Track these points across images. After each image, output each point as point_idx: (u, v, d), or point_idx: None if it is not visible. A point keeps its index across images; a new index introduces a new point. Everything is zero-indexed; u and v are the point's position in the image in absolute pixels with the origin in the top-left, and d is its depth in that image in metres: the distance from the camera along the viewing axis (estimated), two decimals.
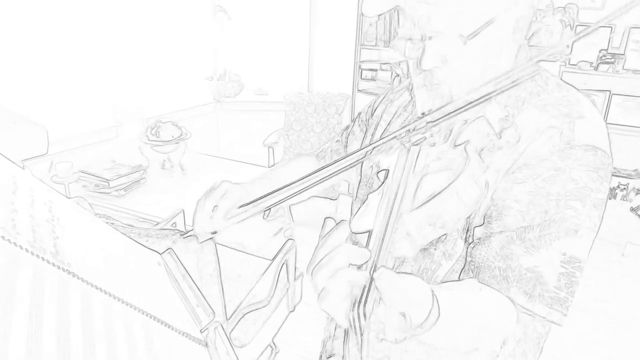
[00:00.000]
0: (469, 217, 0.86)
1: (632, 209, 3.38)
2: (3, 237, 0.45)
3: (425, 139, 0.76)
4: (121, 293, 0.55)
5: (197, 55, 4.06)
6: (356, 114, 1.27)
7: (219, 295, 0.83)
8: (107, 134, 3.25)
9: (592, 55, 3.29)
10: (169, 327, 0.60)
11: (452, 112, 0.77)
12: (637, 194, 3.38)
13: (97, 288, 0.51)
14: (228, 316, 0.86)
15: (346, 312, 0.65)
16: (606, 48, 3.26)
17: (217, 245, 0.95)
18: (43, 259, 0.47)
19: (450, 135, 0.77)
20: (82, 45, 2.99)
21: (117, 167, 2.55)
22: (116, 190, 2.45)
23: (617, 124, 3.32)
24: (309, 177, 0.82)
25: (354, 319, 0.64)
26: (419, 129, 0.77)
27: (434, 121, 0.77)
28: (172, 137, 2.71)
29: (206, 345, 0.66)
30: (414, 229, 0.75)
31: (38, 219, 0.49)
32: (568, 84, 0.90)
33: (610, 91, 3.32)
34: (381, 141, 0.78)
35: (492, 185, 0.84)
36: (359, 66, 4.05)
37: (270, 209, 0.90)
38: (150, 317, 0.57)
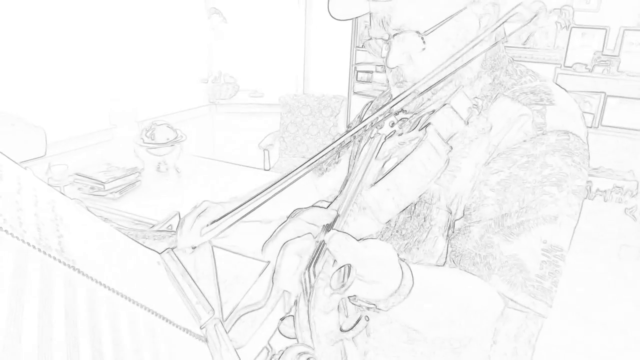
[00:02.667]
0: (451, 214, 0.87)
1: (626, 211, 3.40)
2: (12, 235, 0.46)
3: (395, 132, 0.79)
4: (124, 289, 0.56)
5: (192, 58, 4.06)
6: (348, 125, 1.30)
7: (216, 296, 0.82)
8: (102, 137, 3.24)
9: (587, 57, 3.31)
10: (170, 323, 0.61)
11: (409, 95, 0.81)
12: (632, 195, 3.39)
13: (101, 284, 0.53)
14: (225, 318, 0.86)
15: (299, 282, 0.67)
16: (601, 50, 3.28)
17: (213, 247, 0.95)
18: (50, 255, 0.49)
19: (417, 124, 0.78)
20: (77, 48, 2.98)
21: (112, 169, 2.54)
22: (111, 193, 2.43)
23: (612, 126, 3.34)
24: (278, 183, 0.83)
25: (304, 281, 0.65)
26: (380, 120, 0.80)
27: (395, 112, 0.80)
28: (167, 139, 2.70)
29: (206, 341, 0.67)
30: (374, 201, 0.75)
31: (42, 217, 0.50)
32: (558, 85, 0.91)
33: (605, 93, 3.33)
34: (346, 134, 0.80)
35: (472, 178, 0.85)
36: (355, 68, 4.05)
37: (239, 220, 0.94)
38: (152, 313, 0.58)
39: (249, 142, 3.98)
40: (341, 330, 0.65)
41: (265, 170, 3.79)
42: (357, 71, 4.07)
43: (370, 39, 0.92)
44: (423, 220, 0.90)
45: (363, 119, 1.22)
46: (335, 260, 0.64)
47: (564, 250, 0.80)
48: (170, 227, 1.22)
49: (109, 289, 0.53)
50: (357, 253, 0.64)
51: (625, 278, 3.23)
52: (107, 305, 0.53)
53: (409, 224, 0.91)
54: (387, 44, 0.88)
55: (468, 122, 0.80)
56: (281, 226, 0.74)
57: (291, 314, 0.70)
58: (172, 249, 0.88)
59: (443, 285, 0.78)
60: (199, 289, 0.67)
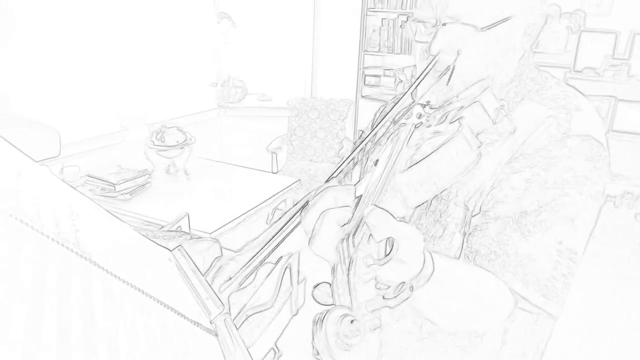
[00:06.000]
0: (468, 210, 0.87)
1: (637, 216, 3.37)
2: (32, 227, 0.47)
3: (422, 123, 0.79)
4: (137, 283, 0.57)
5: (201, 62, 4.08)
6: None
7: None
8: (113, 139, 3.27)
9: (597, 61, 3.29)
10: (182, 316, 0.63)
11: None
12: None
13: (116, 277, 0.54)
14: (232, 318, 0.86)
15: (336, 250, 0.68)
16: (611, 54, 3.26)
17: (222, 248, 0.96)
18: (67, 248, 0.50)
19: (445, 119, 0.78)
20: (89, 52, 3.02)
21: (123, 171, 2.56)
22: (122, 194, 2.46)
23: (622, 131, 3.31)
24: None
25: (343, 250, 0.66)
26: (409, 108, 0.80)
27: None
28: (177, 142, 2.72)
29: (216, 335, 0.68)
30: (405, 187, 0.76)
31: (59, 212, 0.52)
32: (569, 85, 0.92)
33: (615, 98, 3.31)
34: (371, 132, 0.81)
35: (492, 176, 0.85)
36: (363, 72, 4.06)
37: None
38: (165, 306, 0.60)
39: (257, 145, 4.00)
40: (384, 297, 0.65)
41: (273, 173, 3.80)
42: (365, 75, 4.07)
43: (406, 21, 0.91)
44: (439, 216, 0.90)
45: (374, 126, 1.23)
46: (370, 235, 0.66)
47: (577, 254, 0.80)
48: (179, 228, 1.22)
49: (124, 282, 0.55)
50: (394, 230, 0.65)
51: (636, 283, 3.20)
52: (122, 296, 0.54)
53: (424, 220, 0.92)
54: (433, 28, 0.87)
55: (495, 122, 0.81)
56: (319, 195, 0.74)
57: (325, 281, 0.72)
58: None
59: (458, 275, 0.79)
60: (210, 285, 0.68)
